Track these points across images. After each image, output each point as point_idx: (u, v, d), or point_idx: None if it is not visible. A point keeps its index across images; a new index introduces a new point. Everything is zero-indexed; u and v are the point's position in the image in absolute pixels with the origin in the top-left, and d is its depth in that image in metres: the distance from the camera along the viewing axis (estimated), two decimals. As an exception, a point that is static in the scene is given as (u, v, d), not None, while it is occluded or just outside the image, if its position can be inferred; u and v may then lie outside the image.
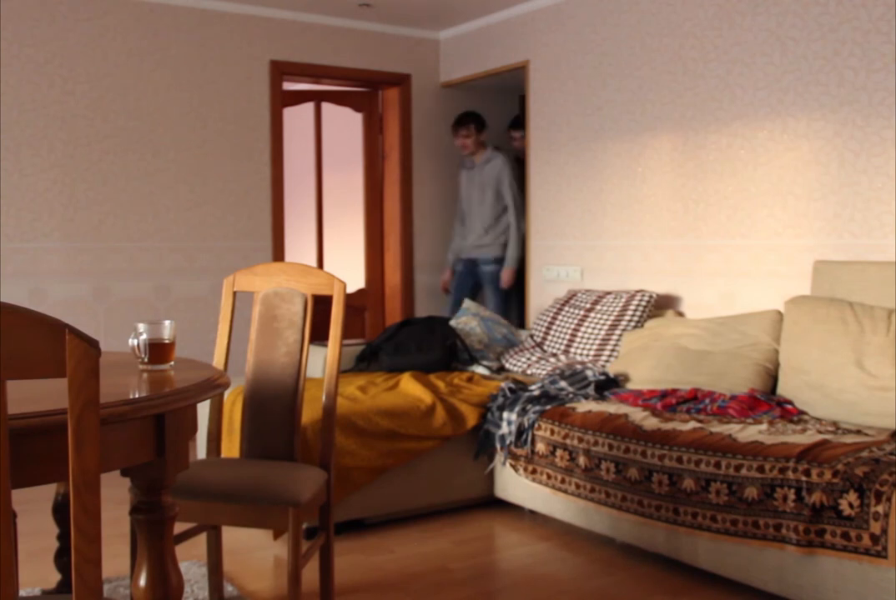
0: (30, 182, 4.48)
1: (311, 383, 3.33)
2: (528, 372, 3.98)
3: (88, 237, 4.63)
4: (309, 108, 5.76)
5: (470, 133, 5.27)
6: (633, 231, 4.38)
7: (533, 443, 3.30)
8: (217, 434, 2.69)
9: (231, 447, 3.30)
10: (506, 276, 5.17)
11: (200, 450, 3.63)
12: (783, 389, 3.26)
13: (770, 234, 3.75)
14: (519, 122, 5.48)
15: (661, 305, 4.11)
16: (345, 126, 5.86)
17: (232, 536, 3.11)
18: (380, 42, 5.52)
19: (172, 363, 1.97)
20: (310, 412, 3.06)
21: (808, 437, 2.66)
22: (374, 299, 5.82)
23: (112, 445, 1.51)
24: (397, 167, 5.63)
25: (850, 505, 2.31)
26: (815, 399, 3.09)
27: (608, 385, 3.57)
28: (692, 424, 2.92)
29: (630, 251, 4.40)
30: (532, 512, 3.51)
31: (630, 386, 3.61)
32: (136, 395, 1.64)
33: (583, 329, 4.06)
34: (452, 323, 4.33)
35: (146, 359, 1.94)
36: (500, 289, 5.24)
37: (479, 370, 4.02)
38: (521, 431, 3.33)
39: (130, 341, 1.95)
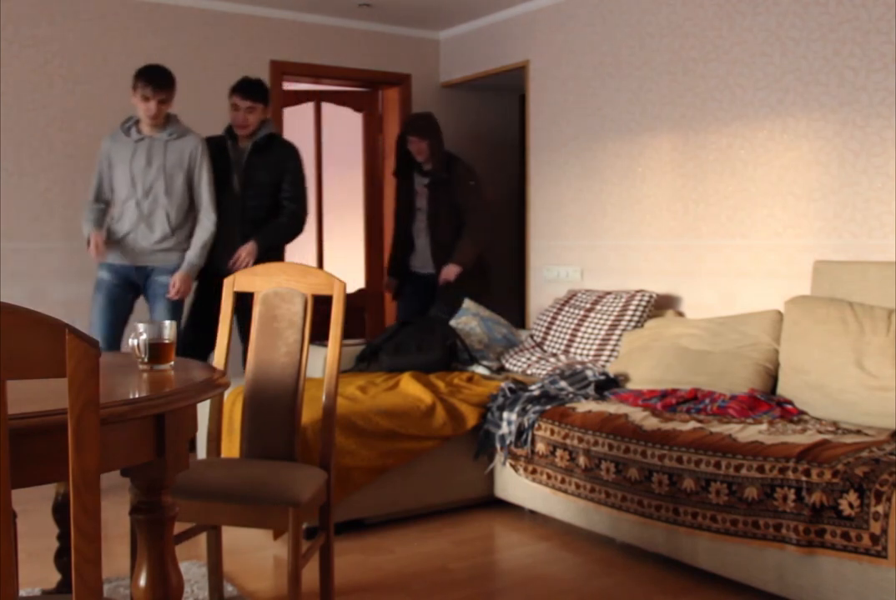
0: (30, 182, 4.48)
1: (311, 383, 3.33)
2: (528, 372, 3.98)
3: (88, 237, 4.63)
4: (309, 108, 5.76)
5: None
6: (633, 231, 4.38)
7: (533, 443, 3.30)
8: (217, 434, 2.69)
9: (231, 447, 3.30)
10: (181, 283, 3.95)
11: (200, 450, 3.63)
12: (783, 389, 3.26)
13: (770, 234, 3.75)
14: (247, 86, 4.21)
15: (661, 305, 4.11)
16: (345, 126, 5.86)
17: (232, 536, 3.11)
18: (380, 42, 5.52)
19: (172, 363, 1.97)
20: (310, 412, 3.05)
21: (808, 437, 2.66)
22: (374, 299, 5.82)
23: (112, 445, 1.51)
24: (397, 167, 5.62)
25: (850, 505, 2.31)
26: (815, 399, 3.09)
27: (608, 385, 3.57)
28: (692, 424, 2.92)
29: (630, 251, 4.40)
30: (532, 512, 3.51)
31: (630, 386, 3.61)
32: (136, 395, 1.64)
33: (583, 329, 4.05)
34: (452, 323, 4.33)
35: (146, 359, 1.94)
36: (173, 303, 4.00)
37: (479, 370, 4.02)
38: (521, 431, 3.33)
39: (130, 341, 1.95)
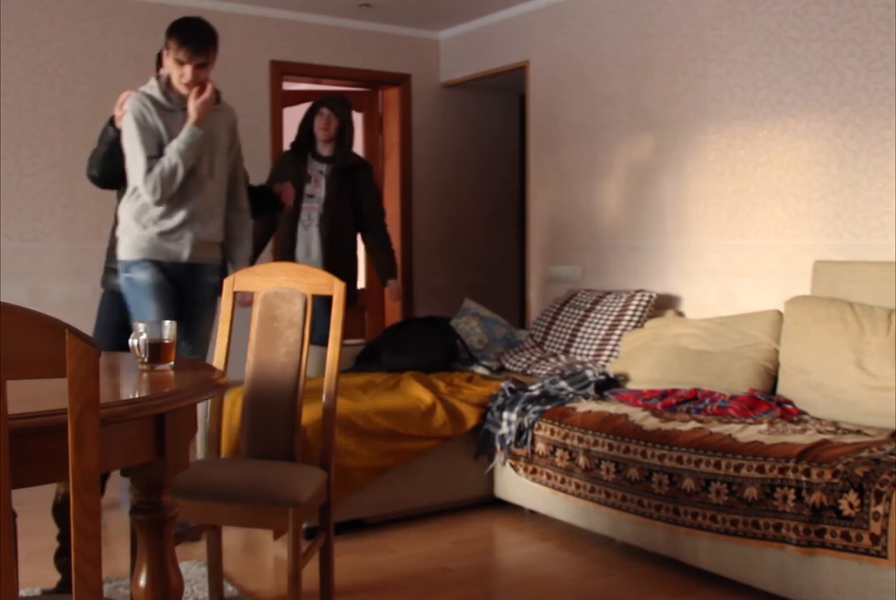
0: (30, 182, 4.48)
1: (312, 383, 3.33)
2: (528, 372, 3.98)
3: (88, 237, 4.63)
4: (309, 108, 5.76)
5: (210, 60, 3.13)
6: (633, 231, 4.38)
7: (533, 443, 3.30)
8: (217, 434, 2.69)
9: (231, 447, 3.30)
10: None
11: (201, 449, 3.63)
12: (783, 389, 3.26)
13: (770, 234, 3.75)
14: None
15: (661, 305, 4.11)
16: (345, 126, 5.85)
17: (232, 536, 3.11)
18: (380, 42, 5.52)
19: (172, 363, 1.97)
20: (310, 412, 3.05)
21: (808, 437, 2.66)
22: (374, 299, 5.82)
23: (112, 445, 1.50)
24: (397, 167, 5.63)
25: (850, 505, 2.31)
26: (815, 399, 3.09)
27: (608, 385, 3.57)
28: (692, 424, 2.92)
29: (630, 251, 4.40)
30: (532, 512, 3.51)
31: (630, 386, 3.61)
32: (136, 395, 1.64)
33: (583, 329, 4.05)
34: (452, 323, 4.33)
35: (146, 359, 1.94)
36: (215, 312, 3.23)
37: (479, 370, 4.02)
38: (521, 431, 3.33)
39: (130, 341, 1.95)
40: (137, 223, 3.11)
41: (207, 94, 3.08)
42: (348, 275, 4.35)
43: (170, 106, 3.11)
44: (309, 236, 4.31)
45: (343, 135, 4.34)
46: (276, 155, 5.20)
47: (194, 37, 3.05)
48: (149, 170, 3.02)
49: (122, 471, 1.68)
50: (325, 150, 4.36)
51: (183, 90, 3.10)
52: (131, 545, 2.21)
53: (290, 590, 2.25)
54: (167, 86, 3.12)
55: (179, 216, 3.11)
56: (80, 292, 4.60)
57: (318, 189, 4.32)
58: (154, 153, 3.05)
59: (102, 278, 3.57)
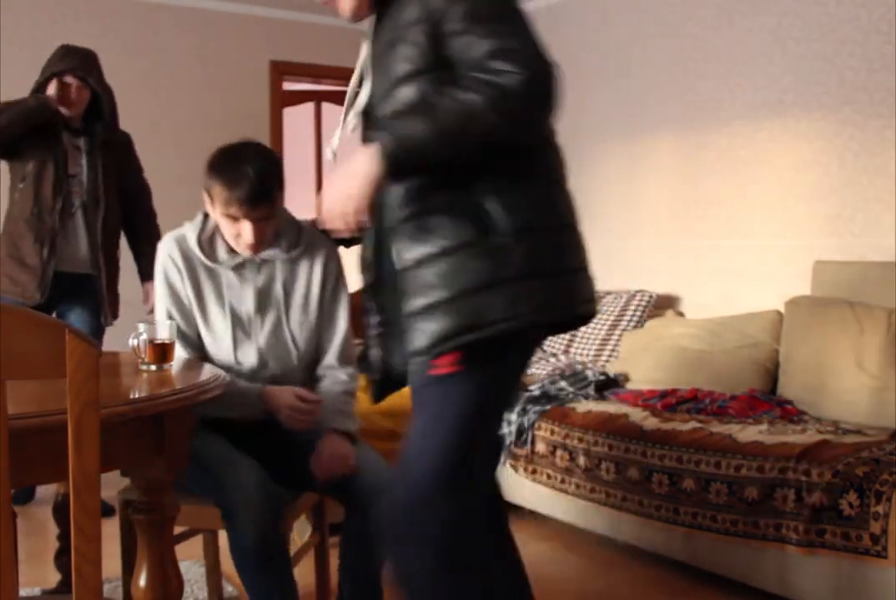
0: (30, 182, 4.48)
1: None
2: (528, 372, 3.97)
3: (88, 237, 4.63)
4: (309, 108, 5.76)
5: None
6: (633, 231, 4.38)
7: (533, 443, 3.30)
8: (217, 434, 2.68)
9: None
10: None
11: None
12: (783, 389, 3.26)
13: (770, 234, 3.75)
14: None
15: (661, 305, 4.11)
16: (345, 126, 5.86)
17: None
18: (380, 42, 5.51)
19: (172, 363, 1.97)
20: (310, 412, 3.05)
21: (808, 437, 2.66)
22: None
23: (112, 445, 1.50)
24: (397, 167, 5.62)
25: (850, 505, 2.31)
26: (815, 399, 3.09)
27: (608, 385, 3.57)
28: (692, 424, 2.92)
29: (630, 251, 4.40)
30: (532, 512, 3.51)
31: (630, 386, 3.61)
32: (136, 395, 1.64)
33: (583, 329, 4.05)
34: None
35: (146, 359, 1.94)
36: None
37: (479, 370, 4.01)
38: (521, 431, 3.33)
39: (130, 341, 1.95)
40: None
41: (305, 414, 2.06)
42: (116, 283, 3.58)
43: (210, 264, 2.10)
44: (72, 235, 3.34)
45: (99, 103, 3.36)
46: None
47: (246, 179, 1.95)
48: None
49: (122, 472, 1.68)
50: (73, 121, 3.35)
51: (244, 252, 2.07)
52: (122, 545, 2.19)
53: (290, 590, 2.25)
54: (214, 232, 2.10)
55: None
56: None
57: (77, 168, 3.34)
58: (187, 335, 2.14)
59: None
